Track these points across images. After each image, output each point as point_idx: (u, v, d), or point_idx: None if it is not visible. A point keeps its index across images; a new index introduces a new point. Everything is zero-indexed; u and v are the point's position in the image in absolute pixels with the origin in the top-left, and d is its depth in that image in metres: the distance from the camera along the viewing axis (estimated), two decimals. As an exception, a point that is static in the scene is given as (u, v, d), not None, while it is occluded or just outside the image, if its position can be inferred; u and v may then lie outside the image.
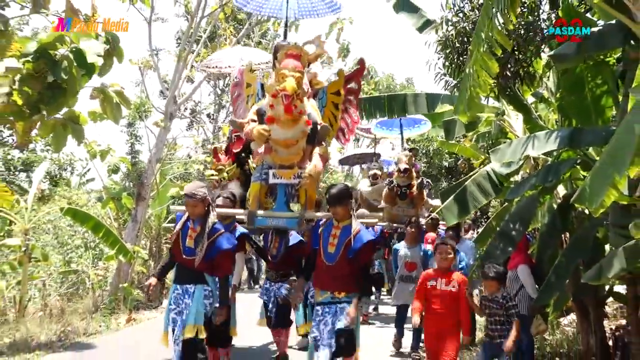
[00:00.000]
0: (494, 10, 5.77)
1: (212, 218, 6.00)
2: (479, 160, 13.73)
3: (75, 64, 8.31)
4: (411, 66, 57.05)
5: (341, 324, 5.79)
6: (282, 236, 7.65)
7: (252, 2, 8.28)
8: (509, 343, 6.34)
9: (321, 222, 6.36)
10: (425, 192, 10.78)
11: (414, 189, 10.43)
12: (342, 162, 21.71)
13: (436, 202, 10.88)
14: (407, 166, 9.83)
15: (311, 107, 6.83)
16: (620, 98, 7.78)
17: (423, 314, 7.40)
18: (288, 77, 6.12)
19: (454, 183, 13.94)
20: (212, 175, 8.40)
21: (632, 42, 6.91)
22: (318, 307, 6.04)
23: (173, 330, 5.95)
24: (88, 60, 8.43)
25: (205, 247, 5.81)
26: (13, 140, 19.07)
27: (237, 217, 7.23)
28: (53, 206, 15.63)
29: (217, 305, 6.17)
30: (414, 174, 10.39)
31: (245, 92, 7.80)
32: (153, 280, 6.46)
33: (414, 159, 10.77)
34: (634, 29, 6.35)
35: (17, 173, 23.38)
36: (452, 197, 9.43)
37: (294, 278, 7.92)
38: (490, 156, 8.99)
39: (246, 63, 8.28)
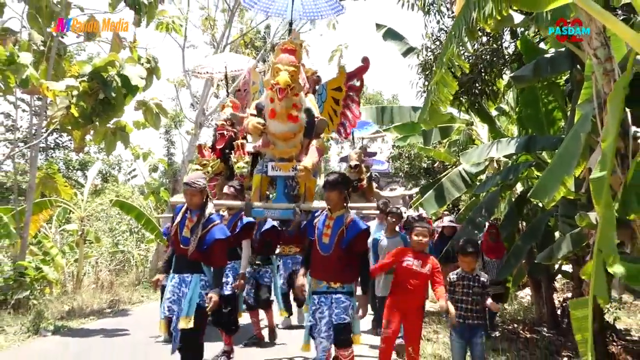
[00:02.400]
0: (456, 38, 5.71)
1: (209, 209, 5.14)
2: (451, 162, 13.71)
3: (121, 85, 8.35)
4: (396, 85, 57.09)
5: (338, 318, 4.90)
6: (256, 226, 6.81)
7: (259, 3, 7.27)
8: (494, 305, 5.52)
9: (317, 214, 5.35)
10: (374, 184, 10.17)
11: (364, 182, 10.02)
12: (343, 160, 21.40)
13: (386, 193, 10.41)
14: (357, 162, 9.44)
15: (309, 101, 5.98)
16: (568, 112, 7.77)
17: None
18: (282, 71, 5.28)
19: (432, 181, 13.92)
20: (197, 169, 7.51)
21: (578, 66, 6.89)
22: (315, 296, 5.07)
23: (169, 319, 5.12)
24: (132, 83, 8.47)
25: (199, 236, 4.96)
26: (71, 144, 19.06)
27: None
28: (104, 198, 15.66)
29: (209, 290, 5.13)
30: (364, 169, 9.89)
31: (251, 89, 7.03)
32: (160, 276, 5.53)
33: (363, 156, 10.35)
34: (580, 55, 6.33)
35: (74, 171, 23.40)
36: (430, 191, 9.43)
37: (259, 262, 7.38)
38: (460, 158, 8.99)
39: (252, 64, 7.81)
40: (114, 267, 14.16)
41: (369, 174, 9.81)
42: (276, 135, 5.70)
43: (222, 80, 9.90)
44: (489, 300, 5.40)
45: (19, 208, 9.96)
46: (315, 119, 5.85)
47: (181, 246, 5.07)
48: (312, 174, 5.67)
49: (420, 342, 5.62)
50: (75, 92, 8.21)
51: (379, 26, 10.73)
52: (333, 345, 5.08)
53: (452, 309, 5.35)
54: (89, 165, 23.36)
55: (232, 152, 7.30)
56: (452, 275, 5.56)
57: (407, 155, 18.16)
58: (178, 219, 5.18)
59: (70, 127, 8.57)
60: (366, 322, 7.88)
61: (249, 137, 7.38)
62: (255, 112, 5.89)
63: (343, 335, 4.96)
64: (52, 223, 12.98)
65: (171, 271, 5.22)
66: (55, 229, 13.15)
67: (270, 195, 6.72)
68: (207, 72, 9.04)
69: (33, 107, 11.07)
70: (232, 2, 18.04)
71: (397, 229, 7.47)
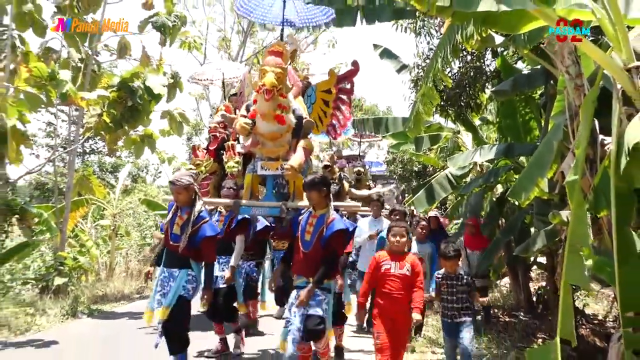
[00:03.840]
0: (441, 56, 5.70)
1: (198, 207, 4.70)
2: (439, 166, 13.68)
3: (146, 93, 8.39)
4: (390, 98, 57.06)
5: (312, 310, 4.44)
6: (250, 222, 6.33)
7: (254, 12, 6.63)
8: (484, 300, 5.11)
9: (302, 211, 4.93)
10: (345, 184, 9.70)
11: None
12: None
13: (363, 192, 9.91)
14: (329, 163, 9.04)
15: (298, 103, 5.49)
16: (543, 122, 7.76)
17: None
18: (268, 73, 4.79)
19: (422, 182, 13.91)
20: (191, 169, 6.92)
21: (551, 82, 6.88)
22: (294, 291, 4.63)
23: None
24: (155, 91, 8.51)
25: (189, 234, 4.56)
26: (105, 149, 19.09)
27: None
28: (133, 197, 15.69)
29: (202, 289, 4.79)
30: (336, 169, 9.42)
31: (245, 92, 6.50)
32: (151, 269, 5.10)
33: (336, 158, 9.88)
34: (553, 72, 6.32)
35: (107, 173, 23.44)
36: (421, 192, 9.41)
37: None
38: (448, 162, 8.97)
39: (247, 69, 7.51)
40: (142, 257, 14.16)
41: (338, 174, 9.46)
42: (264, 135, 5.22)
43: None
44: (480, 298, 5.04)
45: (59, 206, 10.01)
46: (303, 120, 5.34)
47: (171, 242, 4.71)
48: (300, 173, 5.14)
49: (405, 349, 4.84)
50: (106, 101, 8.25)
51: (376, 46, 10.71)
52: (312, 342, 4.61)
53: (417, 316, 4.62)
54: (120, 168, 23.37)
55: (225, 152, 6.88)
56: (437, 275, 5.19)
57: (400, 160, 18.17)
58: (169, 216, 4.81)
59: (103, 132, 8.61)
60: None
61: (241, 139, 6.88)
62: (245, 112, 5.39)
63: (311, 326, 4.43)
64: (88, 219, 13.00)
65: (162, 265, 4.81)
66: (91, 224, 13.16)
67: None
68: (207, 79, 8.76)
69: (71, 116, 11.07)
70: (245, 25, 18.10)
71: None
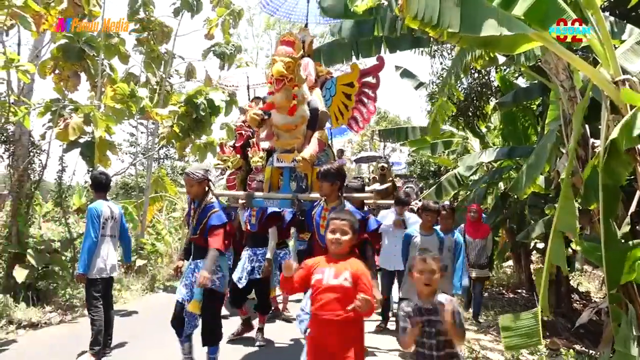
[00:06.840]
0: (453, 73, 5.62)
1: (207, 199, 3.95)
2: (451, 166, 13.49)
3: (208, 107, 8.55)
4: (410, 110, 56.36)
5: None
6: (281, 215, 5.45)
7: (280, 10, 5.82)
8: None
9: (315, 204, 4.04)
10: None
11: None
12: (357, 161, 18.47)
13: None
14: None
15: (315, 94, 4.56)
16: (539, 129, 7.62)
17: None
18: (277, 62, 3.88)
19: (437, 180, 13.74)
20: (218, 164, 6.48)
21: (547, 94, 6.75)
22: None
23: (181, 303, 3.93)
24: (216, 104, 8.66)
25: (202, 224, 3.88)
26: (176, 156, 19.46)
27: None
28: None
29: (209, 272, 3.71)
30: None
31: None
32: (180, 263, 4.40)
33: (337, 157, 9.10)
34: (549, 86, 6.18)
35: (178, 174, 23.91)
36: (432, 188, 9.39)
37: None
38: (459, 163, 8.87)
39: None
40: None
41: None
42: (278, 127, 4.34)
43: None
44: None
45: (139, 201, 10.26)
46: (319, 112, 4.41)
47: (191, 235, 4.06)
48: (315, 164, 4.27)
49: None
50: (176, 115, 8.45)
51: (397, 67, 10.64)
52: None
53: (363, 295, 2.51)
54: (188, 170, 23.86)
55: (250, 148, 6.15)
56: (406, 308, 2.57)
57: (419, 161, 18.02)
58: (187, 209, 4.16)
59: (173, 140, 8.83)
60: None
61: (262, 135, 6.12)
62: (262, 105, 4.55)
63: None
64: (163, 212, 13.23)
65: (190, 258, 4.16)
66: (165, 216, 13.40)
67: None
68: (233, 85, 8.59)
69: (149, 129, 11.37)
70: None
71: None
